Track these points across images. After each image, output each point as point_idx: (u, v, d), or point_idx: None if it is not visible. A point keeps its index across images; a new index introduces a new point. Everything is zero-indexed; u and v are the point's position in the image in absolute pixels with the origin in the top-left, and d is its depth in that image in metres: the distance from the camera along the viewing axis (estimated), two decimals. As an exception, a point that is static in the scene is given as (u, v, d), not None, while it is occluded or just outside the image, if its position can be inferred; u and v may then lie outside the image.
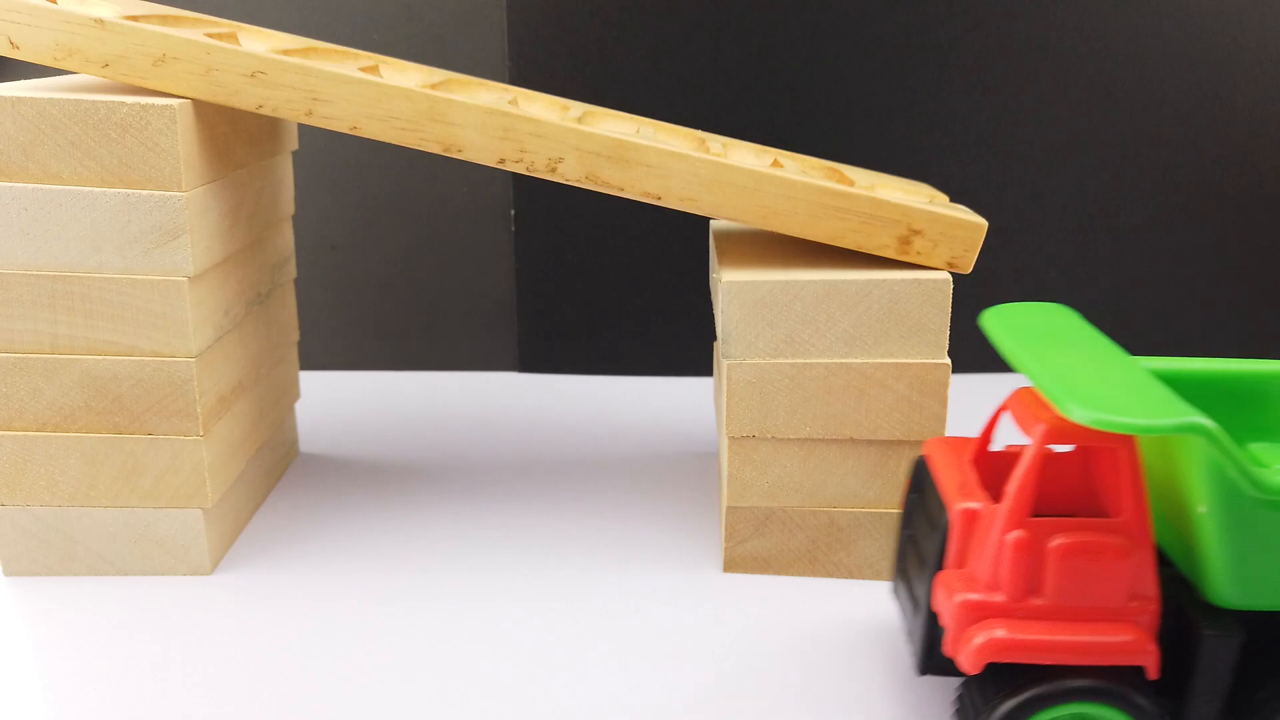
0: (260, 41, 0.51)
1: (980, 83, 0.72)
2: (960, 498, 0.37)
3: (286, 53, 0.49)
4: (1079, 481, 0.39)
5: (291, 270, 0.60)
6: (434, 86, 0.50)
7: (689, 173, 0.47)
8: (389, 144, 0.47)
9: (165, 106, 0.44)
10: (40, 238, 0.45)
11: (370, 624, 0.46)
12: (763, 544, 0.50)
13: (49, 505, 0.48)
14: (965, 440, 0.41)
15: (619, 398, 0.74)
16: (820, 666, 0.43)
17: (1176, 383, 0.41)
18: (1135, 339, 0.77)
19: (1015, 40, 0.72)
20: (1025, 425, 0.36)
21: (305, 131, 0.72)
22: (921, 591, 0.38)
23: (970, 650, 0.35)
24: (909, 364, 0.47)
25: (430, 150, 0.47)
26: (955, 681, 0.42)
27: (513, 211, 0.75)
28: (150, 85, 0.45)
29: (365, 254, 0.77)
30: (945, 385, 0.47)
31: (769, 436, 0.48)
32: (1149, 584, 0.35)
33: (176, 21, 0.49)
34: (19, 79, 0.69)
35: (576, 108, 0.54)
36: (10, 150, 0.45)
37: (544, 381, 0.77)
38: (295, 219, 0.74)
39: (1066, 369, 0.36)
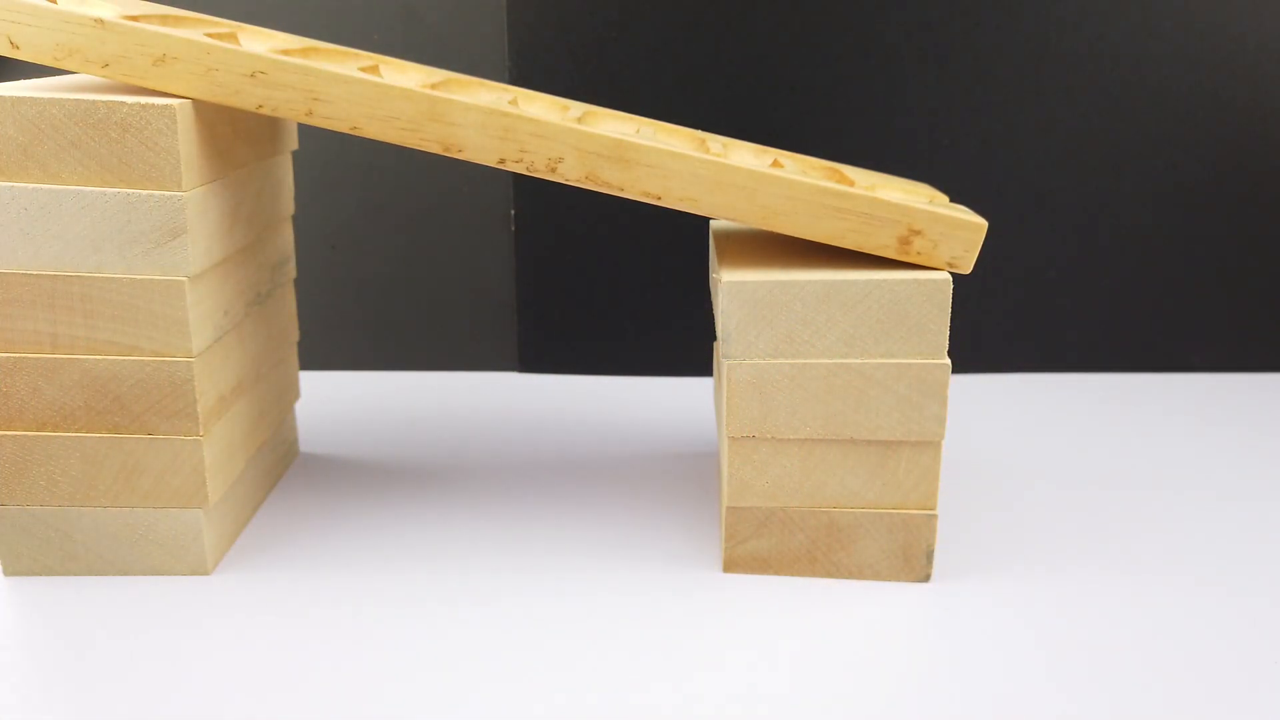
0: (260, 41, 0.51)
1: (980, 83, 0.72)
2: None
3: (286, 53, 0.49)
4: None
5: (291, 270, 0.60)
6: (434, 86, 0.50)
7: (689, 173, 0.47)
8: (389, 144, 0.47)
9: (165, 106, 0.44)
10: (40, 238, 0.45)
11: (370, 624, 0.46)
12: (763, 544, 0.50)
13: (49, 505, 0.48)
14: None
15: (619, 398, 0.74)
16: (819, 667, 0.43)
17: None
18: (1135, 338, 0.77)
19: (1015, 40, 0.72)
20: None
21: (305, 131, 0.72)
22: None
23: None
24: (909, 364, 0.47)
25: (430, 150, 0.47)
26: (964, 682, 0.42)
27: (513, 211, 0.75)
28: (150, 85, 0.45)
29: (365, 254, 0.77)
30: (945, 385, 0.47)
31: (769, 436, 0.48)
32: None
33: (177, 21, 0.49)
34: (19, 79, 0.69)
35: (576, 108, 0.54)
36: (10, 150, 0.45)
37: (544, 381, 0.77)
38: (295, 219, 0.74)
39: None
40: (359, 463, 0.62)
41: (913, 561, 0.49)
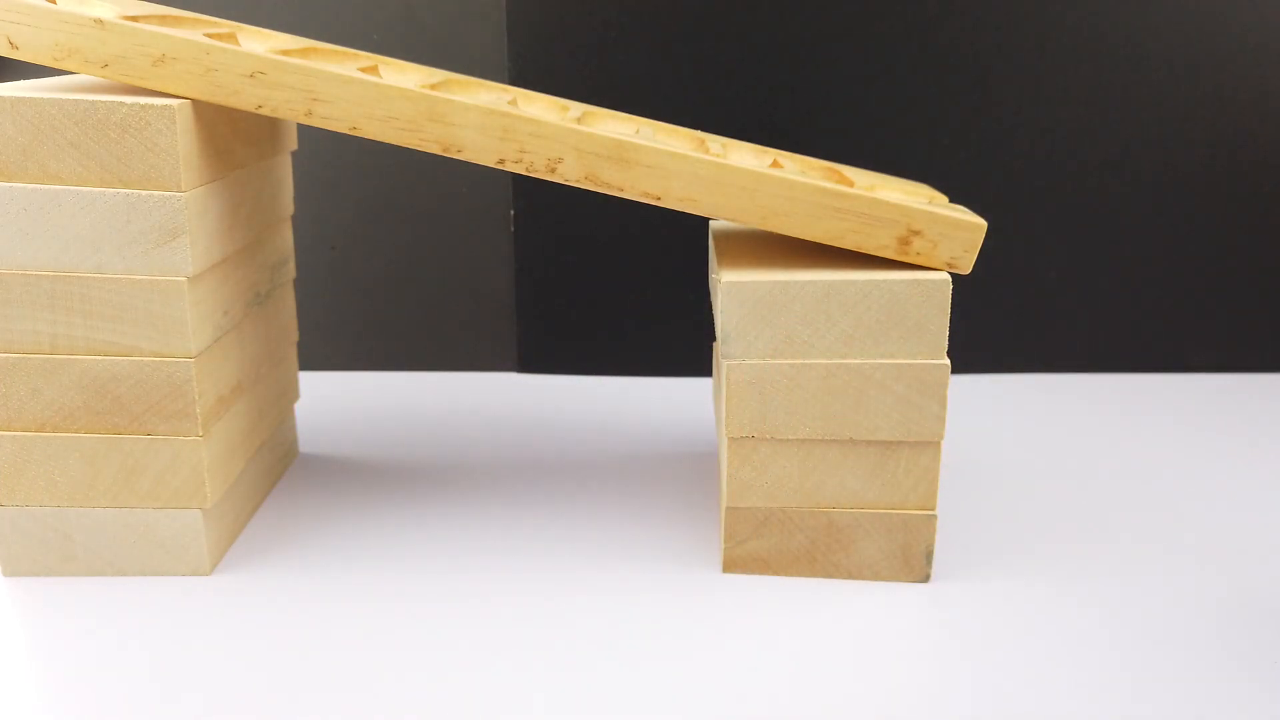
0: (260, 42, 0.51)
1: (980, 83, 0.72)
2: None
3: (286, 53, 0.49)
4: None
5: (291, 270, 0.60)
6: (434, 86, 0.50)
7: (689, 173, 0.47)
8: (389, 144, 0.47)
9: (165, 106, 0.44)
10: (40, 238, 0.45)
11: (369, 624, 0.46)
12: (762, 544, 0.50)
13: (48, 505, 0.48)
14: None
15: (619, 398, 0.74)
16: (819, 667, 0.43)
17: None
18: (1134, 338, 0.77)
19: (1015, 40, 0.72)
20: None
21: (305, 131, 0.72)
22: None
23: None
24: (908, 364, 0.47)
25: (430, 150, 0.47)
26: (964, 682, 0.42)
27: (513, 211, 0.75)
28: (150, 85, 0.45)
29: (365, 254, 0.77)
30: (944, 385, 0.47)
31: (768, 437, 0.48)
32: None
33: (176, 22, 0.49)
34: (19, 79, 0.69)
35: (576, 108, 0.54)
36: (10, 150, 0.45)
37: (544, 381, 0.77)
38: (295, 219, 0.74)
39: None
40: (358, 463, 0.62)
41: (912, 562, 0.49)
